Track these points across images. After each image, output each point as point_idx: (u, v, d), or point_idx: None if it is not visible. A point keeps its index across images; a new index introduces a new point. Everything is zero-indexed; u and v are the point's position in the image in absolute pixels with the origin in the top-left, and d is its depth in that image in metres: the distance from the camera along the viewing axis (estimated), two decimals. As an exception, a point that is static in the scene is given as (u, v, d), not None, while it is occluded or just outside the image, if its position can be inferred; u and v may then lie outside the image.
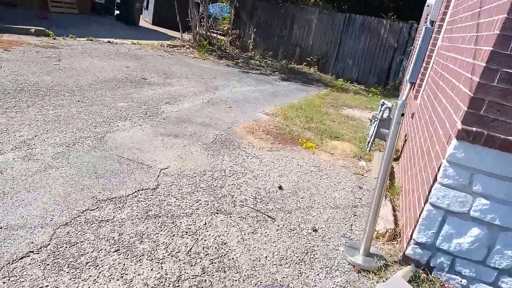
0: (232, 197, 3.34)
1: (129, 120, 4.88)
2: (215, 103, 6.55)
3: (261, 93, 8.24)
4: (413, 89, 6.57)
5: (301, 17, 13.20)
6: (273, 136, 5.36)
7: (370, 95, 10.54)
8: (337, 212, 3.43)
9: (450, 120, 2.61)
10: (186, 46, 12.23)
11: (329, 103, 8.34)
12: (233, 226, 2.87)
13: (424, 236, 2.47)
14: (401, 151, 5.29)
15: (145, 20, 20.70)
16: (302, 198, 3.60)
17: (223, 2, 14.56)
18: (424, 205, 2.48)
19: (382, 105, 5.53)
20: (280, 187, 3.74)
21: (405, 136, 5.41)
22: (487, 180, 2.25)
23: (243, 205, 3.24)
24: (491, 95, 2.17)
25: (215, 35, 14.05)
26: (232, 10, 13.76)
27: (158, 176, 3.47)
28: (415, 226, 2.53)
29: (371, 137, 5.27)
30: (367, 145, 5.30)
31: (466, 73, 2.54)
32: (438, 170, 2.40)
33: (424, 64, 6.25)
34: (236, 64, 11.54)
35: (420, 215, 2.50)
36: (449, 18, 5.23)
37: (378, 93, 10.74)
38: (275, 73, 11.33)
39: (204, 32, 13.14)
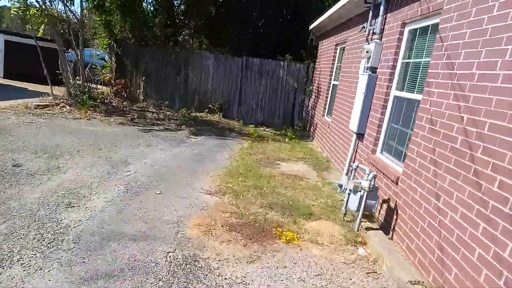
0: None
1: (17, 264, 2.86)
2: (138, 191, 4.78)
3: (182, 158, 6.68)
4: (361, 140, 5.98)
5: (196, 63, 12.10)
6: (239, 231, 3.96)
7: (287, 140, 9.92)
8: None
9: None
10: (61, 105, 9.76)
11: (260, 159, 7.27)
12: None
13: None
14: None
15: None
16: None
17: (100, 49, 12.48)
18: None
19: (355, 169, 4.69)
20: None
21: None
22: None
23: None
24: None
25: (95, 86, 11.81)
26: (113, 57, 11.81)
27: None
28: None
29: (357, 211, 4.32)
30: (356, 224, 4.32)
31: None
32: None
33: (372, 113, 5.72)
34: (132, 121, 9.64)
35: None
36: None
37: (294, 136, 10.22)
38: (182, 126, 9.83)
39: (81, 85, 10.83)
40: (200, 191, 5.05)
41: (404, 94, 4.90)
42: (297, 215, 4.56)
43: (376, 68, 5.80)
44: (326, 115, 9.49)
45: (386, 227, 4.47)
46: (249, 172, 6.25)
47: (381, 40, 5.74)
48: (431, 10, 4.23)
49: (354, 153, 6.27)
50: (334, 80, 9.24)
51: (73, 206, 4.04)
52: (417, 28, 4.78)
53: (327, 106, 9.55)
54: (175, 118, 10.98)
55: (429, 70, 4.04)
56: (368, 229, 4.39)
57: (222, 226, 4.03)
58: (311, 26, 11.30)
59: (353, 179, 4.71)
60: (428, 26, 4.48)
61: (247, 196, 5.07)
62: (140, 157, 6.39)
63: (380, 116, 5.39)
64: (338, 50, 9.16)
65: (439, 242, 3.32)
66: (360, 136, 6.07)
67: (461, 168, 3.19)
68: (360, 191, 4.29)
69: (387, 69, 5.37)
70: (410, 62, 4.89)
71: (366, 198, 4.20)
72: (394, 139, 5.07)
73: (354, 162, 5.89)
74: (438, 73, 3.83)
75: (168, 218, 4.07)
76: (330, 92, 9.41)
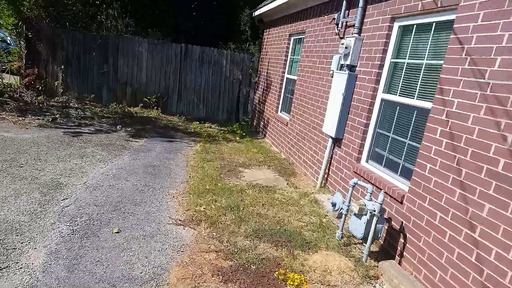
0: None
1: None
2: (87, 231, 3.61)
3: (131, 172, 5.50)
4: (338, 146, 5.45)
5: (127, 49, 10.52)
6: (235, 281, 3.12)
7: (238, 138, 9.11)
8: None
9: None
10: (-47, 102, 7.65)
11: (220, 166, 6.38)
12: None
13: None
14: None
15: None
16: None
17: (4, 29, 10.15)
18: None
19: (353, 186, 4.10)
20: None
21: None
22: None
23: None
24: None
25: (-1, 78, 9.62)
26: (22, 42, 9.66)
27: None
28: None
29: (364, 238, 3.76)
30: (364, 254, 3.75)
31: None
32: None
33: (352, 116, 5.21)
34: (53, 121, 7.93)
35: None
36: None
37: (244, 134, 9.45)
38: (117, 126, 8.39)
39: (-20, 76, 8.67)
40: (168, 222, 4.04)
41: (396, 99, 4.41)
42: (292, 246, 3.84)
43: (355, 66, 5.26)
44: (281, 112, 8.86)
45: (390, 251, 4.00)
46: (215, 185, 5.35)
47: (360, 35, 5.20)
48: (440, 6, 3.73)
49: (330, 159, 5.72)
50: (288, 73, 8.61)
51: (-2, 270, 2.80)
52: (413, 25, 4.29)
53: (280, 102, 8.92)
54: (106, 115, 9.41)
55: (442, 76, 3.55)
56: (371, 255, 3.87)
57: (212, 276, 3.14)
58: (257, 12, 10.47)
59: (350, 197, 4.14)
60: (431, 23, 3.99)
61: (226, 222, 4.20)
62: (76, 175, 5.07)
63: (364, 121, 4.88)
64: (292, 41, 8.51)
65: (482, 283, 2.87)
66: (337, 141, 5.53)
67: (508, 196, 2.74)
68: (365, 215, 3.72)
69: (371, 68, 4.84)
70: (403, 62, 4.40)
71: (376, 223, 3.64)
72: (385, 147, 4.60)
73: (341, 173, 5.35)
74: (458, 80, 3.35)
75: (139, 273, 3.05)
76: (283, 86, 8.78)
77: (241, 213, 4.51)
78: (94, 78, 10.48)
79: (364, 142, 4.93)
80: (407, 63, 4.34)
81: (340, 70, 5.53)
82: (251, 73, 11.46)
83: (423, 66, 4.04)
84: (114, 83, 10.63)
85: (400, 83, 4.41)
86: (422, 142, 3.73)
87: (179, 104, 11.25)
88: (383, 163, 4.59)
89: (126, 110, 10.36)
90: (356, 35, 5.19)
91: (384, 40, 4.63)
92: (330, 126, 5.54)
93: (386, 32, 4.61)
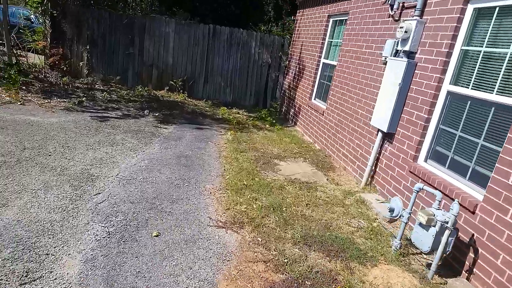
0: None
1: None
2: (124, 234, 3.28)
3: (164, 164, 5.16)
4: (389, 141, 4.95)
5: (154, 29, 10.08)
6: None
7: (268, 126, 8.67)
8: None
9: None
10: (-22, 82, 7.43)
11: (255, 158, 5.98)
12: None
13: None
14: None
15: None
16: None
17: (29, 7, 9.85)
18: None
19: (417, 192, 3.63)
20: None
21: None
22: None
23: None
24: None
25: (24, 56, 9.37)
26: (47, 20, 9.33)
27: None
28: None
29: (431, 253, 3.32)
30: (431, 271, 3.31)
31: None
32: None
33: (408, 108, 4.68)
34: (80, 104, 7.65)
35: None
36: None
37: (274, 121, 8.99)
38: (145, 111, 8.05)
39: (7, 53, 8.42)
40: (209, 224, 3.68)
41: (468, 92, 3.87)
42: (347, 257, 3.44)
43: (414, 53, 4.69)
44: (315, 99, 8.34)
45: (455, 266, 3.55)
46: (252, 180, 4.97)
47: (421, 18, 4.61)
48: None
49: (378, 155, 5.24)
50: (325, 58, 8.04)
51: (32, 280, 2.49)
52: (494, 7, 3.69)
53: (315, 88, 8.38)
54: (132, 98, 9.09)
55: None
56: (436, 271, 3.43)
57: (265, 292, 2.78)
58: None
59: (413, 204, 3.67)
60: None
61: (270, 225, 3.82)
62: (107, 165, 4.76)
63: (425, 116, 4.35)
64: (331, 23, 7.90)
65: None
66: (388, 135, 5.03)
67: None
68: (434, 226, 3.26)
69: (436, 56, 4.28)
70: (478, 51, 3.83)
71: (448, 237, 3.19)
72: (449, 147, 4.09)
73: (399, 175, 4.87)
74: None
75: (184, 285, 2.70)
76: (319, 72, 8.22)
77: (284, 214, 4.12)
78: (120, 59, 10.13)
79: (423, 139, 4.42)
80: (484, 52, 3.76)
81: (395, 56, 4.98)
82: (281, 57, 10.90)
83: (507, 56, 3.48)
84: (139, 65, 10.26)
85: (474, 74, 3.85)
86: (505, 145, 3.21)
87: (206, 87, 10.83)
88: (447, 164, 4.08)
89: (152, 93, 10.02)
90: (418, 17, 4.60)
91: (455, 24, 4.04)
92: (381, 119, 5.03)
93: (458, 15, 4.02)
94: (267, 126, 8.71)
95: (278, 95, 11.16)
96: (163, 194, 4.18)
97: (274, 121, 9.00)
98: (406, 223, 3.68)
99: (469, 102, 3.88)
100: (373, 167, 5.30)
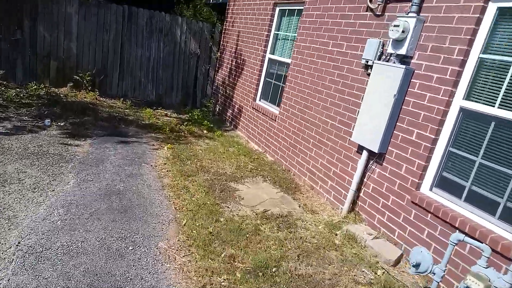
0: None
1: None
2: None
3: (87, 213, 3.58)
4: (378, 163, 4.17)
5: (50, 10, 7.81)
6: None
7: (206, 132, 7.38)
8: None
9: None
10: None
11: (208, 185, 4.72)
12: None
13: None
14: None
15: None
16: None
17: None
18: None
19: (455, 244, 2.83)
20: None
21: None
22: None
23: None
24: None
25: None
26: None
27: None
28: None
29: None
30: None
31: None
32: None
33: (399, 123, 3.92)
34: None
35: None
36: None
37: (211, 125, 7.70)
38: (45, 121, 6.03)
39: None
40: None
41: (491, 110, 3.19)
42: None
43: (410, 58, 3.90)
44: (261, 100, 7.27)
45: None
46: (217, 222, 3.74)
47: (419, 15, 3.82)
48: None
49: (362, 177, 4.41)
50: (272, 53, 6.98)
51: None
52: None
53: (259, 88, 7.30)
54: (24, 101, 6.88)
55: None
56: None
57: None
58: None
59: (448, 259, 2.87)
60: None
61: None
62: (-4, 225, 3.05)
63: (432, 136, 3.61)
64: (277, 12, 6.84)
65: None
66: (377, 155, 4.21)
67: None
68: (492, 296, 2.49)
69: (444, 64, 3.53)
70: (508, 61, 3.15)
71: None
72: (465, 174, 3.41)
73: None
74: None
75: None
76: (264, 68, 7.15)
77: (278, 279, 3.02)
78: (3, 47, 7.67)
79: (428, 163, 3.68)
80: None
81: (383, 60, 4.14)
82: (211, 47, 9.53)
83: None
84: (32, 55, 7.92)
85: (502, 90, 3.16)
86: None
87: (122, 83, 8.94)
88: (463, 196, 3.40)
89: (51, 92, 7.82)
90: (415, 14, 3.79)
91: (473, 26, 3.31)
92: (367, 137, 4.18)
93: (477, 15, 3.28)
94: (205, 132, 7.40)
95: (209, 91, 9.81)
96: (99, 277, 2.71)
97: (211, 125, 7.71)
98: (439, 283, 2.88)
99: (492, 122, 3.21)
100: (357, 191, 4.47)
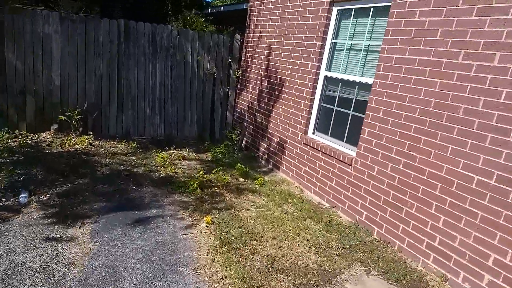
0: None
1: None
2: None
3: None
4: None
5: (23, 30, 5.84)
6: None
7: (243, 180, 5.45)
8: None
9: None
10: None
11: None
12: None
13: None
14: None
15: None
16: None
17: None
18: None
19: None
20: None
21: None
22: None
23: None
24: None
25: None
26: None
27: None
28: None
29: None
30: None
31: None
32: None
33: None
34: None
35: None
36: None
37: (246, 169, 5.75)
38: (19, 196, 4.01)
39: None
40: None
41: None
42: None
43: None
44: (317, 133, 5.34)
45: None
46: None
47: None
48: None
49: None
50: (327, 69, 5.08)
51: None
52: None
53: (312, 117, 5.36)
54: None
55: None
56: None
57: None
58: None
59: None
60: None
61: None
62: None
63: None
64: (335, 14, 4.94)
65: None
66: None
67: None
68: None
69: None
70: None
71: None
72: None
73: None
74: None
75: None
76: (319, 91, 5.23)
77: None
78: (-42, 83, 5.65)
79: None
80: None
81: None
82: (230, 65, 7.64)
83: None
84: (0, 93, 5.91)
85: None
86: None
87: (122, 119, 6.95)
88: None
89: (29, 141, 5.81)
90: None
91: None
92: None
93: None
94: (242, 180, 5.48)
95: (229, 119, 7.89)
96: None
97: (246, 169, 5.75)
98: None
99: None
100: None
